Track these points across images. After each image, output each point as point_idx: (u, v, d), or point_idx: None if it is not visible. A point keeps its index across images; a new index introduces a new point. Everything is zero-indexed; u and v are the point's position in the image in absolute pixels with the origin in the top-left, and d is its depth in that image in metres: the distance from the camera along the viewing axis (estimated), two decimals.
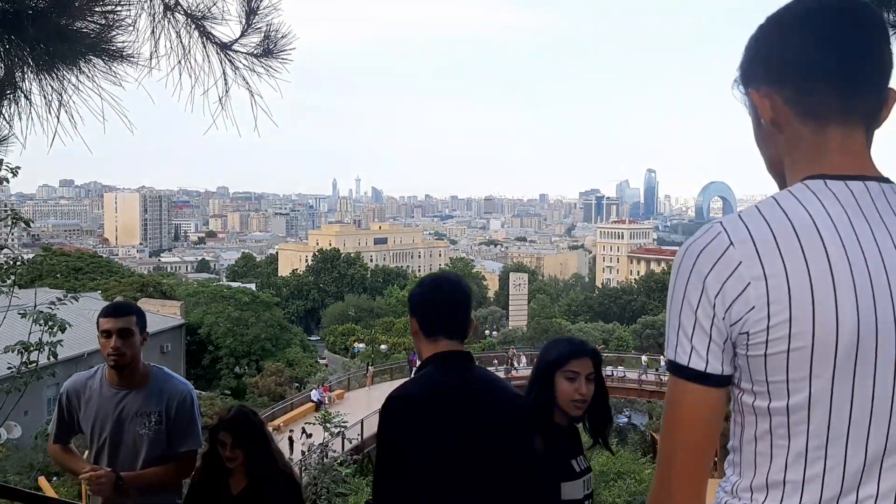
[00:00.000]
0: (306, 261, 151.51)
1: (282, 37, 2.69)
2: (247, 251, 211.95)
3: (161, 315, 54.28)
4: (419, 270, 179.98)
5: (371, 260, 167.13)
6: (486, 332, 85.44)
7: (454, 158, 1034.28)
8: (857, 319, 1.21)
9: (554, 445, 3.14)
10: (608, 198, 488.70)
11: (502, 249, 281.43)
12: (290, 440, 33.11)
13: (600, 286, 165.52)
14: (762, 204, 1.34)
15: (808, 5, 1.35)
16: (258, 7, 2.64)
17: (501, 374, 48.45)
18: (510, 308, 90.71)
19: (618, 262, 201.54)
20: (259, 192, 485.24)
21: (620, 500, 20.17)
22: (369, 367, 49.03)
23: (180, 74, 2.57)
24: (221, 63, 2.67)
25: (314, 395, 40.69)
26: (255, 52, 2.73)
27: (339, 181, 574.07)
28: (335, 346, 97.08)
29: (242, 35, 2.70)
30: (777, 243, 1.24)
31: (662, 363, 51.53)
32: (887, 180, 1.35)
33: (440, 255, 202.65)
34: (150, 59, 2.57)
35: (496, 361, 52.19)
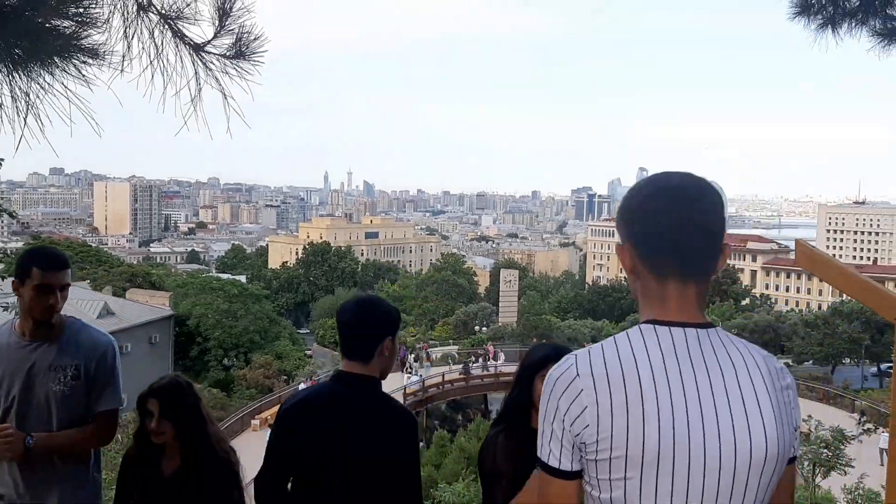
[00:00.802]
0: (297, 254, 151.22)
1: (254, 39, 2.70)
2: (237, 243, 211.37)
3: (150, 306, 54.16)
4: (410, 265, 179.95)
5: (362, 254, 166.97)
6: (476, 327, 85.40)
7: (447, 154, 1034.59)
8: (659, 439, 1.63)
9: (525, 446, 3.16)
10: (600, 195, 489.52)
11: (494, 245, 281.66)
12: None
13: (590, 283, 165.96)
14: (607, 342, 1.76)
15: (659, 185, 1.77)
16: (231, 9, 2.65)
17: (479, 370, 48.23)
18: (500, 304, 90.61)
19: (608, 259, 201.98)
20: (250, 183, 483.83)
21: None
22: None
23: (153, 75, 2.56)
24: (194, 64, 2.67)
25: (302, 388, 40.59)
26: (228, 53, 2.75)
27: (330, 174, 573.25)
28: (325, 339, 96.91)
29: (215, 36, 2.71)
30: (608, 377, 1.68)
31: None
32: (710, 325, 1.77)
33: (431, 249, 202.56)
34: (123, 59, 2.54)
35: (473, 357, 51.95)
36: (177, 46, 2.62)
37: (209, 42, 2.69)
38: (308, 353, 68.57)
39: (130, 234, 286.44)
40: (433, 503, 21.85)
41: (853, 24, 4.26)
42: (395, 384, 42.67)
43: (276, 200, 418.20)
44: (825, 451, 11.00)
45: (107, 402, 3.56)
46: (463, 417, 50.37)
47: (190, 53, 2.66)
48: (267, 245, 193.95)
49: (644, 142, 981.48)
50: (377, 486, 2.89)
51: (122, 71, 2.48)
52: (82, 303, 48.81)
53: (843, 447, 11.28)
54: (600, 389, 1.68)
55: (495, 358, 50.47)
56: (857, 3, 4.29)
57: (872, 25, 4.24)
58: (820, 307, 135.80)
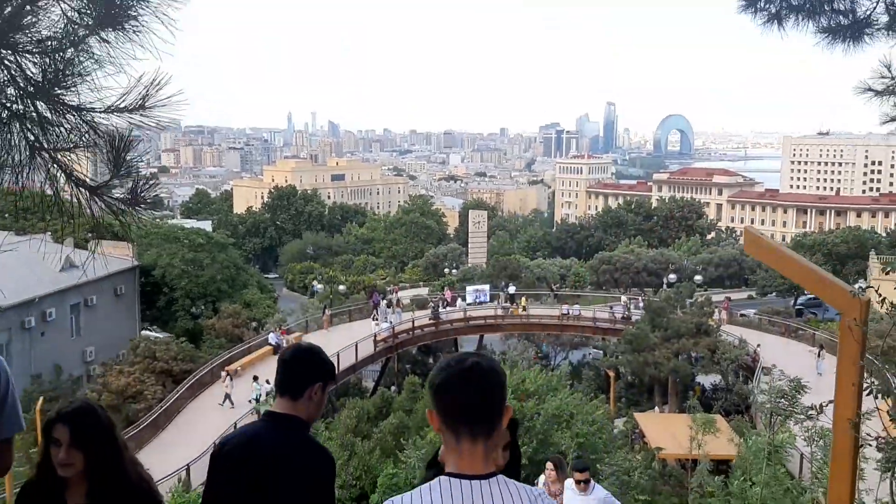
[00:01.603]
0: (262, 197, 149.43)
1: (147, 185, 2.93)
2: (201, 187, 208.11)
3: (113, 257, 53.40)
4: (378, 207, 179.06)
5: (329, 196, 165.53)
6: (446, 269, 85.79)
7: (413, 91, 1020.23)
8: None
9: None
10: (568, 132, 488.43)
11: (462, 185, 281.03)
12: (255, 379, 33.09)
13: (559, 221, 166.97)
14: (417, 491, 2.29)
15: (455, 368, 2.30)
16: (124, 159, 2.87)
17: (426, 318, 47.68)
18: (469, 246, 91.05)
19: (576, 196, 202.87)
20: (212, 125, 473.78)
21: (572, 441, 20.67)
22: (326, 310, 48.96)
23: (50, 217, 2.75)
24: (90, 204, 2.88)
25: (272, 338, 40.61)
26: (122, 196, 2.92)
27: (294, 114, 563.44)
28: (294, 284, 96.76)
29: (110, 181, 2.91)
30: None
31: (623, 300, 52.43)
32: (493, 475, 2.29)
33: (399, 191, 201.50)
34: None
35: (432, 304, 51.61)
36: (72, 187, 2.81)
37: (104, 184, 2.88)
38: (275, 296, 68.34)
39: (91, 180, 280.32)
40: (404, 452, 22.28)
41: (799, 20, 4.19)
42: (365, 331, 42.95)
43: (240, 142, 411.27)
44: (782, 400, 11.31)
45: (4, 430, 3.21)
46: (434, 361, 51.02)
47: (85, 196, 2.86)
48: (231, 189, 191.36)
49: (612, 75, 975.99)
50: None
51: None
52: (45, 256, 48.04)
53: (799, 396, 11.59)
54: None
55: (453, 303, 50.42)
56: None
57: (818, 22, 4.18)
58: (784, 238, 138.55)
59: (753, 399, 21.59)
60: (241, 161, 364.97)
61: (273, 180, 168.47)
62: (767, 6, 4.15)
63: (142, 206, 2.89)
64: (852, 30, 4.01)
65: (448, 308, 48.14)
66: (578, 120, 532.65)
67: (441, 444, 3.69)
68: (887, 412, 4.30)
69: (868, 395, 4.16)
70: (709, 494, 15.51)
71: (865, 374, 4.46)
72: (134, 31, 2.71)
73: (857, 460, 4.65)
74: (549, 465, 9.30)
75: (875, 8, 3.95)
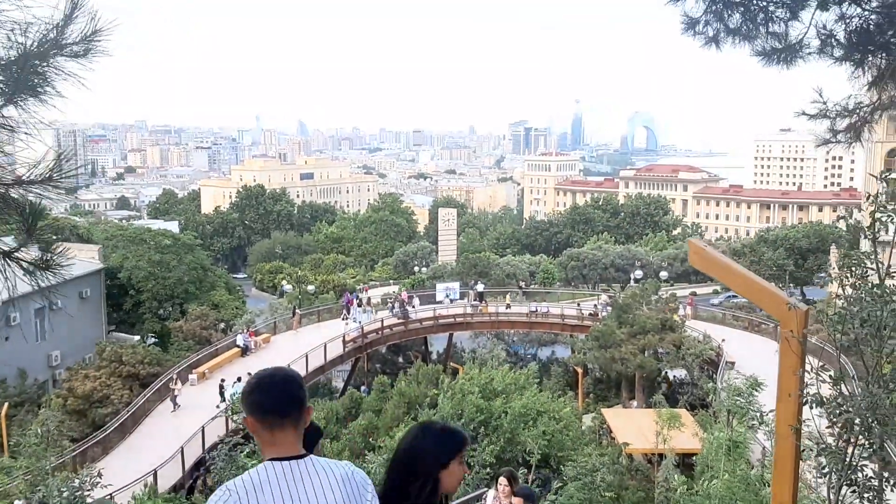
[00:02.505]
0: (230, 197, 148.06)
1: (58, 253, 3.25)
2: (168, 187, 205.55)
3: (78, 260, 52.56)
4: (348, 205, 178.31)
5: (297, 195, 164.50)
6: (416, 267, 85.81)
7: (383, 90, 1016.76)
8: None
9: None
10: (536, 129, 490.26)
11: (432, 183, 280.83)
12: (221, 388, 32.87)
13: (528, 218, 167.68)
14: (247, 475, 2.86)
15: (262, 378, 2.95)
16: (34, 228, 3.12)
17: (391, 318, 47.33)
18: (439, 244, 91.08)
19: (545, 194, 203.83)
20: (179, 125, 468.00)
21: (539, 438, 20.87)
22: (296, 311, 48.67)
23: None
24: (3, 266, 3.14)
25: (240, 340, 40.33)
26: (35, 261, 3.24)
27: (262, 114, 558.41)
28: (263, 284, 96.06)
29: (21, 248, 3.19)
30: (247, 495, 2.77)
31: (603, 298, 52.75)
32: (305, 456, 2.92)
33: (369, 189, 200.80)
34: None
35: (390, 305, 50.81)
36: None
37: (17, 250, 3.18)
38: (247, 301, 67.96)
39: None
40: (374, 450, 22.31)
41: (736, 42, 4.34)
42: (334, 331, 42.82)
43: (207, 142, 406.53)
44: (738, 398, 11.57)
45: None
46: (404, 359, 51.02)
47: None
48: (199, 189, 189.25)
49: (580, 72, 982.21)
50: None
51: None
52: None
53: (757, 393, 11.86)
54: (243, 500, 2.76)
55: (411, 303, 49.74)
56: (740, 21, 4.36)
57: (755, 45, 4.32)
58: (749, 233, 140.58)
59: (712, 397, 21.94)
60: (209, 160, 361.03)
61: (241, 179, 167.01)
62: (705, 29, 4.29)
63: (52, 271, 3.25)
64: (786, 52, 4.17)
65: (402, 309, 47.42)
66: (547, 117, 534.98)
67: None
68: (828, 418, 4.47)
69: (805, 404, 4.33)
70: (673, 491, 15.80)
71: (807, 375, 4.63)
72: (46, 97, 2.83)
73: (799, 464, 4.83)
74: (501, 479, 9.22)
75: (807, 32, 4.11)
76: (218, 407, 30.78)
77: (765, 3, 4.18)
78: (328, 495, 2.84)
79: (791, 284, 78.87)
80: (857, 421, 3.89)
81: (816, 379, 4.21)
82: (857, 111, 4.10)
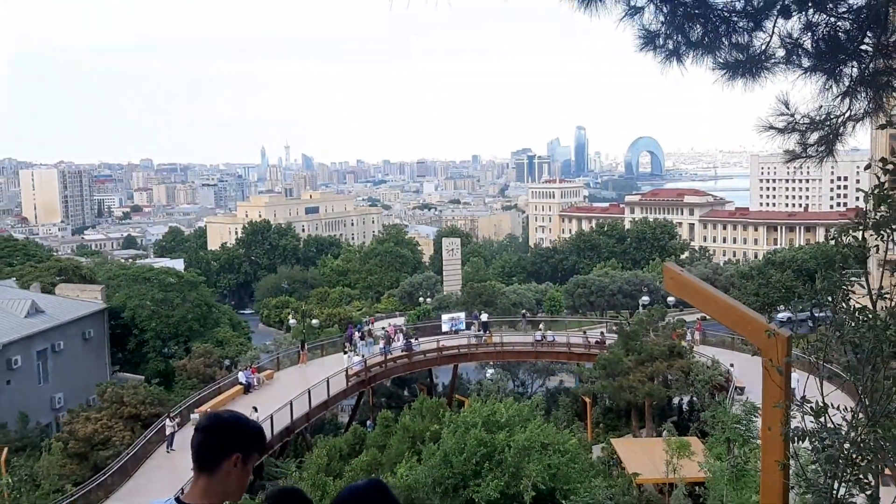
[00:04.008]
0: (236, 233, 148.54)
1: None
2: (174, 225, 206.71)
3: (81, 300, 52.49)
4: (353, 238, 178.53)
5: (303, 230, 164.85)
6: (421, 298, 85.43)
7: (385, 122, 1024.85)
8: None
9: None
10: (540, 156, 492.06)
11: (436, 213, 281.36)
12: None
13: (533, 246, 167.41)
14: None
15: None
16: None
17: (399, 350, 45.98)
18: (444, 273, 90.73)
19: (550, 221, 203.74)
20: (185, 162, 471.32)
21: (544, 473, 20.39)
22: (304, 346, 48.07)
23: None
24: None
25: (242, 377, 39.92)
26: None
27: (267, 149, 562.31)
28: (269, 319, 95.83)
29: None
30: None
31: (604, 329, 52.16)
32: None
33: (373, 221, 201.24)
34: None
35: (376, 340, 48.05)
36: None
37: None
38: (253, 336, 67.70)
39: (62, 221, 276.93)
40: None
41: (698, 55, 4.11)
42: (340, 365, 42.39)
43: (213, 179, 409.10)
44: (737, 426, 11.20)
45: None
46: (409, 392, 50.43)
47: None
48: (205, 226, 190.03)
49: (582, 99, 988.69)
50: None
51: None
52: (10, 302, 47.04)
53: (755, 419, 11.49)
54: None
55: (397, 338, 47.97)
56: (701, 33, 4.12)
57: (717, 57, 4.10)
58: (756, 256, 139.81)
59: (711, 425, 21.52)
60: (216, 197, 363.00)
61: (247, 216, 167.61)
62: (666, 43, 4.06)
63: None
64: (750, 64, 3.94)
65: (393, 345, 45.91)
66: (550, 145, 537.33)
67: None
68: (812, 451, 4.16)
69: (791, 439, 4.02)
70: None
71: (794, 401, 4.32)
72: None
73: (787, 501, 4.50)
74: None
75: (770, 41, 3.88)
76: None
77: (727, 14, 3.96)
78: None
79: (800, 307, 78.00)
80: (842, 456, 3.60)
81: (798, 411, 3.91)
82: (828, 122, 3.86)
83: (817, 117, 3.86)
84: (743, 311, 4.66)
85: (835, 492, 3.76)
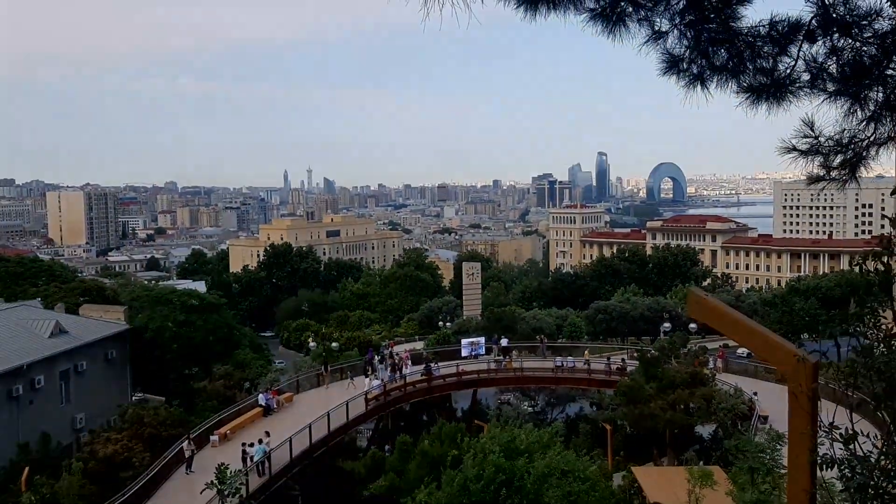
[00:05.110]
0: (258, 256, 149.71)
1: None
2: (197, 247, 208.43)
3: (104, 321, 52.93)
4: (373, 262, 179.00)
5: (324, 253, 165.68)
6: (441, 322, 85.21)
7: (407, 147, 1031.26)
8: None
9: None
10: (561, 182, 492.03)
11: (457, 237, 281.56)
12: (244, 452, 32.15)
13: (553, 271, 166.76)
14: None
15: None
16: None
17: (418, 374, 45.17)
18: (464, 298, 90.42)
19: (571, 246, 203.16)
20: (209, 185, 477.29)
21: (564, 500, 20.17)
22: (327, 366, 47.95)
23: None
24: None
25: (261, 399, 39.93)
26: None
27: (290, 173, 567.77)
28: (290, 341, 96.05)
29: None
30: None
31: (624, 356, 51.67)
32: None
33: (394, 245, 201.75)
34: None
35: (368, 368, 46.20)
36: None
37: None
38: (273, 359, 67.84)
39: (87, 243, 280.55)
40: None
41: (722, 80, 4.12)
42: (359, 388, 42.27)
43: (236, 202, 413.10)
44: (761, 454, 11.00)
45: None
46: (428, 417, 50.13)
47: None
48: (228, 248, 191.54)
49: (603, 125, 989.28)
50: None
51: None
52: (34, 322, 47.49)
53: (780, 447, 11.29)
54: None
55: (405, 365, 46.44)
56: (726, 58, 4.13)
57: (741, 81, 4.10)
58: (779, 283, 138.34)
59: (737, 453, 21.17)
60: (238, 220, 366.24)
61: (269, 238, 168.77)
62: (690, 67, 4.07)
63: None
64: (775, 88, 3.93)
65: (404, 372, 45.13)
66: (571, 170, 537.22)
67: None
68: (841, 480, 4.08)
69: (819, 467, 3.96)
70: None
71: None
72: None
73: None
74: None
75: (795, 65, 3.88)
76: (239, 471, 30.15)
77: (752, 39, 3.96)
78: None
79: (825, 334, 76.89)
80: (871, 485, 3.52)
81: (827, 438, 3.85)
82: (852, 146, 3.84)
83: (842, 139, 3.85)
84: (769, 335, 4.61)
85: None
